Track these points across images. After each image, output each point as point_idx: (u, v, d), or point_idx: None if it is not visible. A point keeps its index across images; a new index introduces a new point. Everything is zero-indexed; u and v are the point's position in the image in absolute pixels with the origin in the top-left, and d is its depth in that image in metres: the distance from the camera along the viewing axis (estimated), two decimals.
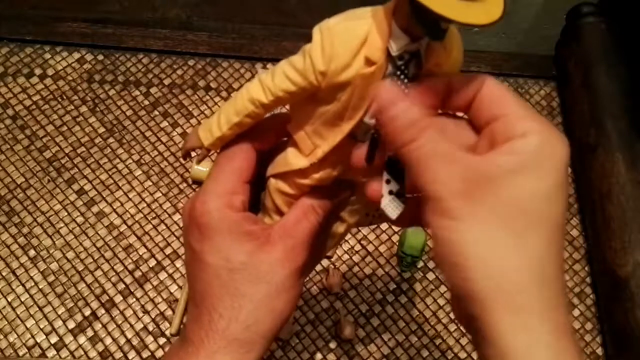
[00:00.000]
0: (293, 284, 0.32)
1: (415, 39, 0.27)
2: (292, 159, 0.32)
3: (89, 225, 0.60)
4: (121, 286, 0.58)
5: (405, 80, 0.28)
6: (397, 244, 0.60)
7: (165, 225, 0.60)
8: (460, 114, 0.29)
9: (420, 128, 0.26)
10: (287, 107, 0.33)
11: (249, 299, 0.31)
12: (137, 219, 0.61)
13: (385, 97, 0.27)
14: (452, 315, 0.58)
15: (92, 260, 0.58)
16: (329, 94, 0.29)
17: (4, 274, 0.57)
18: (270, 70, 0.30)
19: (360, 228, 0.61)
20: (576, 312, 0.60)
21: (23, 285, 0.57)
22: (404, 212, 0.30)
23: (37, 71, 0.67)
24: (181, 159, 0.63)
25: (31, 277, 0.57)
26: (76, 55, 0.68)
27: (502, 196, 0.25)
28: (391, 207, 0.29)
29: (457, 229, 0.25)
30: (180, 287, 0.58)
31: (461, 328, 0.57)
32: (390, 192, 0.29)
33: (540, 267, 0.25)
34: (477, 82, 0.28)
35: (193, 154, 0.34)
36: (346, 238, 0.61)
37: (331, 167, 0.32)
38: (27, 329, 0.55)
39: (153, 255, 0.59)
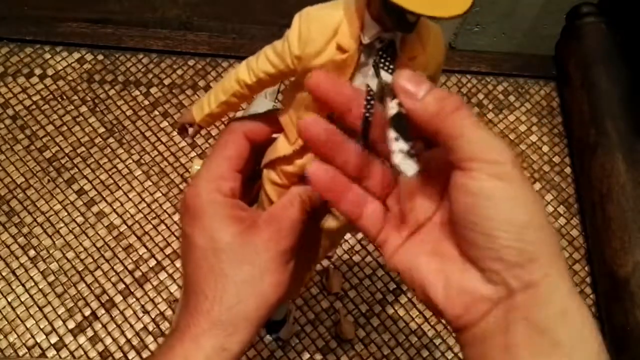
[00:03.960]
0: (277, 268, 0.32)
1: (388, 30, 0.27)
2: (279, 146, 0.33)
3: (89, 225, 0.60)
4: (121, 286, 0.58)
5: (389, 58, 0.28)
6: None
7: (165, 225, 0.60)
8: None
9: (455, 103, 0.26)
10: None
11: (232, 280, 0.32)
12: (137, 219, 0.61)
13: (408, 78, 0.27)
14: None
15: (92, 260, 0.58)
16: (301, 77, 0.30)
17: (4, 274, 0.57)
18: (257, 53, 0.31)
19: None
20: None
21: (23, 285, 0.57)
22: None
23: (37, 71, 0.67)
24: (180, 152, 0.63)
25: (31, 277, 0.57)
26: (76, 55, 0.68)
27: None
28: (406, 165, 0.27)
29: (509, 188, 0.26)
30: (180, 287, 0.58)
31: None
32: (401, 151, 0.27)
33: (552, 235, 0.27)
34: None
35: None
36: (346, 238, 0.61)
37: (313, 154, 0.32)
38: (27, 329, 0.55)
39: (153, 255, 0.59)
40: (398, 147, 0.27)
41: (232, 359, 0.32)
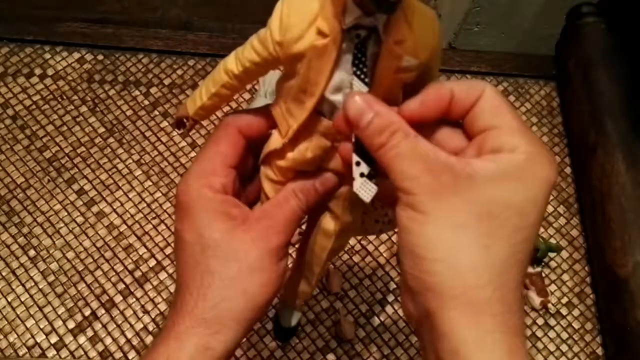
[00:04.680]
0: (266, 266, 0.31)
1: (369, 13, 0.27)
2: (272, 140, 0.32)
3: (89, 225, 0.60)
4: (121, 286, 0.58)
5: (363, 59, 0.27)
6: (397, 244, 0.60)
7: (165, 225, 0.60)
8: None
9: (390, 132, 0.27)
10: None
11: (218, 277, 0.31)
12: (137, 219, 0.61)
13: (352, 109, 0.28)
14: None
15: (92, 260, 0.58)
16: (289, 67, 0.29)
17: (4, 274, 0.57)
18: (245, 43, 0.31)
19: None
20: (576, 312, 0.60)
21: (23, 285, 0.57)
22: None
23: (37, 71, 0.67)
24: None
25: (31, 277, 0.57)
26: (76, 55, 0.68)
27: (473, 198, 0.26)
28: (364, 190, 0.29)
29: (424, 221, 0.26)
30: None
31: None
32: (362, 175, 0.29)
33: (500, 272, 0.26)
34: (477, 90, 0.28)
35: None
36: None
37: (304, 147, 0.32)
38: (27, 329, 0.55)
39: (153, 255, 0.59)
40: (359, 171, 0.29)
41: (217, 359, 0.31)
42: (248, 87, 0.67)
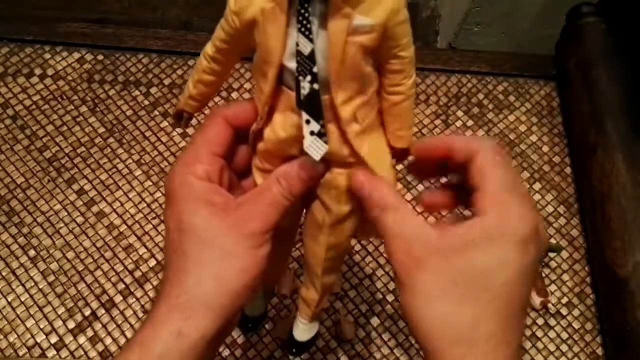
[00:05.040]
0: (242, 252, 0.31)
1: None
2: (253, 124, 0.33)
3: (89, 225, 0.60)
4: (121, 286, 0.58)
5: (307, 15, 0.27)
6: None
7: None
8: None
9: (381, 208, 0.31)
10: None
11: (192, 262, 0.31)
12: (137, 219, 0.61)
13: (357, 185, 0.33)
14: None
15: (92, 260, 0.58)
16: (248, 37, 0.29)
17: (4, 274, 0.57)
18: None
19: None
20: (576, 312, 0.60)
21: (23, 285, 0.57)
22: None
23: (37, 71, 0.67)
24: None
25: (31, 277, 0.57)
26: (76, 55, 0.69)
27: (440, 270, 0.30)
28: (314, 148, 0.29)
29: (402, 290, 0.30)
30: None
31: None
32: (312, 133, 0.29)
33: (473, 328, 0.29)
34: (475, 147, 0.31)
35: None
36: None
37: (278, 125, 0.31)
38: (27, 329, 0.55)
39: (153, 255, 0.59)
40: (309, 129, 0.29)
41: (192, 347, 0.30)
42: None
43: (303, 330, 0.47)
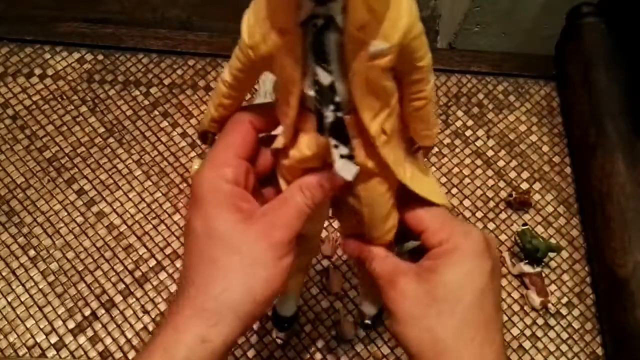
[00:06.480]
0: (269, 261, 0.31)
1: (321, 2, 0.26)
2: (277, 140, 0.33)
3: (89, 225, 0.60)
4: (121, 286, 0.58)
5: (323, 47, 0.27)
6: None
7: (165, 225, 0.60)
8: None
9: (370, 261, 0.37)
10: None
11: (221, 268, 0.31)
12: (137, 219, 0.61)
13: (350, 251, 0.39)
14: None
15: (92, 260, 0.58)
16: (268, 68, 0.30)
17: (4, 274, 0.57)
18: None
19: None
20: (576, 312, 0.60)
21: (23, 285, 0.57)
22: None
23: (37, 71, 0.67)
24: (185, 156, 0.63)
25: (31, 277, 0.57)
26: (76, 55, 0.69)
27: (421, 291, 0.34)
28: (346, 170, 0.30)
29: (396, 324, 0.35)
30: None
31: None
32: (342, 156, 0.30)
33: (457, 335, 0.33)
34: (447, 249, 0.34)
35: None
36: None
37: (303, 144, 0.32)
38: (27, 329, 0.55)
39: (153, 255, 0.59)
40: (338, 153, 0.30)
41: (215, 353, 0.30)
42: None
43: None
